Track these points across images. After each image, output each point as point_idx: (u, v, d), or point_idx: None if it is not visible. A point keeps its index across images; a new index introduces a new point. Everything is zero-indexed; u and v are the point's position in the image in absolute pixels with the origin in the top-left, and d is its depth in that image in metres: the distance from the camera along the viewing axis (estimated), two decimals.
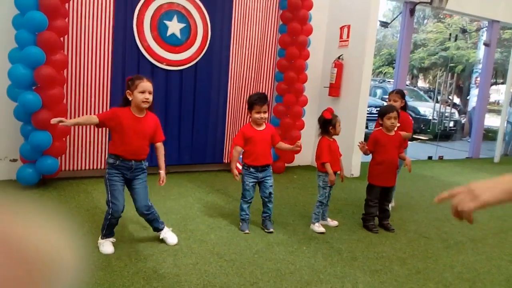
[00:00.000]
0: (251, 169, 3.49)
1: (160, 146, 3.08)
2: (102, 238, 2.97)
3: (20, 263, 0.43)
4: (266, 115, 3.49)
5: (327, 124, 3.66)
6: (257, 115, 3.44)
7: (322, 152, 3.62)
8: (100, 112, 4.66)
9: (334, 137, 3.73)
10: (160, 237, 3.14)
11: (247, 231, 3.47)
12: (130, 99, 2.86)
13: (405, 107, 4.21)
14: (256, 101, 3.44)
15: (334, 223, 3.82)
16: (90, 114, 4.62)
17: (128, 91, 2.86)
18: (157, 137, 3.05)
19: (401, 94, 4.18)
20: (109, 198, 2.90)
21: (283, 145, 3.70)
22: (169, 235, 3.15)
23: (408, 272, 3.00)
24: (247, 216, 3.55)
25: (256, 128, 3.50)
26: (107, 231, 2.96)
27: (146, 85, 2.84)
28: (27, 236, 0.45)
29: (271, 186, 3.57)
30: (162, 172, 3.07)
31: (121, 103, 2.94)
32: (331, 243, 3.42)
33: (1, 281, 0.41)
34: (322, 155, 3.62)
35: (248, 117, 3.58)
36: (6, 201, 0.48)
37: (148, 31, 4.82)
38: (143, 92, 2.82)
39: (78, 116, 4.55)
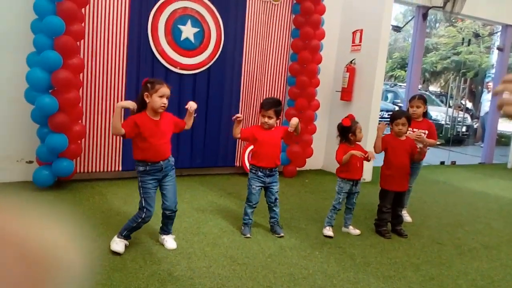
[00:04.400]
0: (259, 173, 3.47)
1: (186, 126, 3.17)
2: (118, 237, 2.99)
3: (26, 263, 0.44)
4: (271, 121, 3.43)
5: (347, 132, 3.63)
6: (261, 119, 3.48)
7: (337, 155, 3.62)
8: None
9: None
10: (162, 237, 3.18)
11: (248, 235, 3.46)
12: (148, 101, 2.89)
13: (426, 113, 4.16)
14: (262, 105, 3.48)
15: (356, 231, 3.75)
16: (105, 117, 4.68)
17: (146, 93, 2.88)
18: (179, 126, 3.14)
19: (423, 99, 4.10)
20: (143, 204, 2.95)
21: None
22: (170, 240, 3.17)
23: (422, 278, 2.98)
24: (251, 221, 3.54)
25: (264, 129, 3.49)
26: (128, 233, 2.99)
27: (166, 90, 2.89)
28: (34, 237, 0.46)
29: (277, 192, 3.55)
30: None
31: (136, 106, 2.94)
32: (343, 248, 3.41)
33: (8, 281, 0.43)
34: (337, 156, 3.61)
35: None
36: (14, 203, 0.49)
37: (163, 36, 4.87)
38: (162, 96, 2.87)
39: (94, 118, 4.62)
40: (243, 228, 3.55)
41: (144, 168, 2.93)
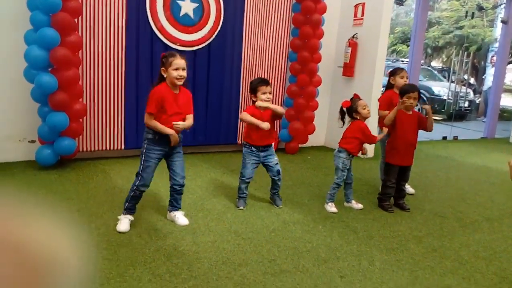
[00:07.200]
0: (253, 148, 3.54)
1: (188, 117, 3.10)
2: (123, 213, 3.03)
3: (25, 264, 0.44)
4: (271, 96, 3.53)
5: (350, 112, 3.68)
6: (263, 96, 3.46)
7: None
8: (118, 91, 4.68)
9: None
10: (172, 214, 3.20)
11: (242, 208, 3.54)
12: (165, 76, 2.92)
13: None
14: (260, 83, 3.50)
15: (358, 206, 3.78)
16: (106, 95, 4.64)
17: (162, 68, 2.93)
18: (187, 111, 3.11)
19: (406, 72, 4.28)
20: (140, 171, 2.99)
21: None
22: (181, 216, 3.21)
23: (424, 250, 3.01)
24: (245, 194, 3.63)
25: (259, 110, 3.51)
26: (130, 205, 3.02)
27: (179, 62, 2.89)
28: (32, 237, 0.46)
29: (277, 164, 3.61)
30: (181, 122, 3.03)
31: (156, 81, 3.01)
32: (346, 222, 3.44)
33: (7, 281, 0.42)
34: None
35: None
36: (14, 188, 0.48)
37: (161, 11, 4.79)
38: (176, 69, 2.88)
39: (95, 97, 4.59)
40: (237, 200, 3.63)
41: (153, 137, 2.96)
